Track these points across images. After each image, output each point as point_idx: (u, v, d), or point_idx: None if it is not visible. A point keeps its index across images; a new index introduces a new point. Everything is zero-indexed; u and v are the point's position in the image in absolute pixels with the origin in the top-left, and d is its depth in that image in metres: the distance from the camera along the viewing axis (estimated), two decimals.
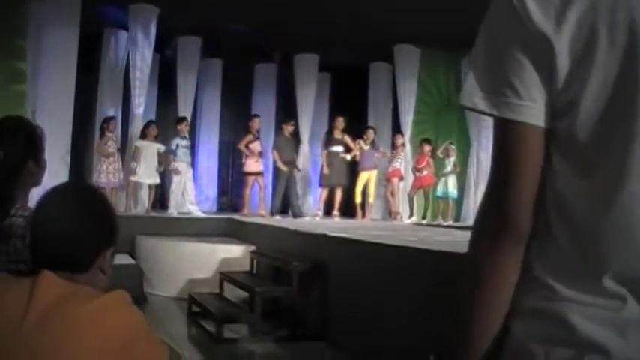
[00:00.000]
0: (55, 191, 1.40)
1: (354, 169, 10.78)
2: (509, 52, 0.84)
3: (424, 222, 10.44)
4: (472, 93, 0.88)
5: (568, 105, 0.82)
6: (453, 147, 10.91)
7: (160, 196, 10.75)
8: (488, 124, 10.84)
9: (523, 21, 0.82)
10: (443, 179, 10.77)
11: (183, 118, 10.12)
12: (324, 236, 5.79)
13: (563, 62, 0.81)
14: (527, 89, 0.84)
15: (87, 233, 1.36)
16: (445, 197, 10.81)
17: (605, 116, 0.80)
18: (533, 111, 0.84)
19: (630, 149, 0.78)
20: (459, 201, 11.30)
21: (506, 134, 0.87)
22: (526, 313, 0.88)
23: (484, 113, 0.88)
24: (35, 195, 1.76)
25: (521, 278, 0.90)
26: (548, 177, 0.87)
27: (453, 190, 10.79)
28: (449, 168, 10.78)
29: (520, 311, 0.89)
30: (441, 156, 10.81)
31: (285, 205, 10.65)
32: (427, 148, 10.60)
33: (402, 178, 10.92)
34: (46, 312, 1.18)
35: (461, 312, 0.95)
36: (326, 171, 10.36)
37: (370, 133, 10.76)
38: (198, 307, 6.20)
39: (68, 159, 9.07)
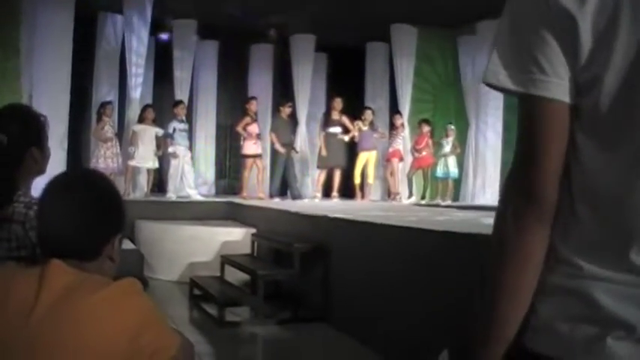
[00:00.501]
0: (58, 181, 1.37)
1: (353, 150, 10.75)
2: (533, 30, 0.84)
3: (423, 202, 10.44)
4: (496, 71, 0.88)
5: (592, 81, 0.82)
6: (452, 127, 10.88)
7: (159, 180, 10.72)
8: (486, 104, 10.84)
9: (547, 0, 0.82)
10: (442, 159, 10.75)
11: (180, 101, 10.08)
12: (326, 218, 5.78)
13: (586, 38, 0.81)
14: (552, 66, 0.84)
15: (92, 223, 1.34)
16: (445, 177, 10.80)
17: (628, 90, 0.80)
18: (559, 87, 0.84)
19: None
20: (458, 181, 11.30)
21: (532, 111, 0.86)
22: (551, 292, 0.88)
23: (509, 91, 0.87)
24: (36, 183, 1.74)
25: (546, 259, 0.89)
26: (571, 155, 0.87)
27: (454, 169, 10.78)
28: (447, 148, 10.76)
29: (545, 290, 0.89)
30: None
31: (284, 187, 10.64)
32: (426, 129, 10.55)
33: (401, 159, 10.91)
34: (56, 301, 1.16)
35: (484, 297, 0.93)
36: (323, 152, 10.31)
37: (368, 114, 10.71)
38: (199, 291, 6.22)
39: (66, 144, 9.03)
